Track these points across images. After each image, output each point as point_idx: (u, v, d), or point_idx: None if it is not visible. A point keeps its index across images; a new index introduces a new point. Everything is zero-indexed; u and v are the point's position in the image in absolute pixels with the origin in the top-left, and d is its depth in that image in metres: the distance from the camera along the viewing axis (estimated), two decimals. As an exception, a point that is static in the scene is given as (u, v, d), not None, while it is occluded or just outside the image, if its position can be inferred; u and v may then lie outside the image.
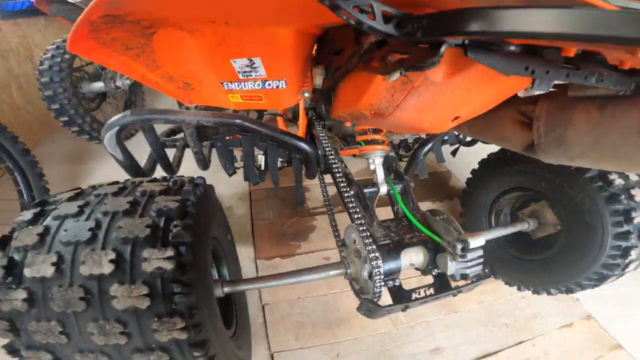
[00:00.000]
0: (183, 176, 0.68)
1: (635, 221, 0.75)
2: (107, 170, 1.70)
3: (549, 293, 0.94)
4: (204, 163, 0.97)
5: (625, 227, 0.75)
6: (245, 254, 1.19)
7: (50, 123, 2.09)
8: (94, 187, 0.61)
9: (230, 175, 1.00)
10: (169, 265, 0.47)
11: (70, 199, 0.54)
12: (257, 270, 1.16)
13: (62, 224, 0.49)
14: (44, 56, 1.55)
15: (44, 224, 0.50)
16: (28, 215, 0.52)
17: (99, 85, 1.79)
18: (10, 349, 0.48)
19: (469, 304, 1.10)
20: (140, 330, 0.46)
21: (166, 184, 0.63)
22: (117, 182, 0.64)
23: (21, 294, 0.44)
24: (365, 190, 0.77)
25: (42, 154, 1.66)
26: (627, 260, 0.74)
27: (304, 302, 1.07)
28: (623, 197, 0.76)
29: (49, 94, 1.51)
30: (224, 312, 0.76)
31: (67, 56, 1.57)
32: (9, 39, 1.90)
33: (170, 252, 0.48)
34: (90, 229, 0.47)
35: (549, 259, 0.92)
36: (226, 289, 0.72)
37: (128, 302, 0.45)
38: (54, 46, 1.58)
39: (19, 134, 1.85)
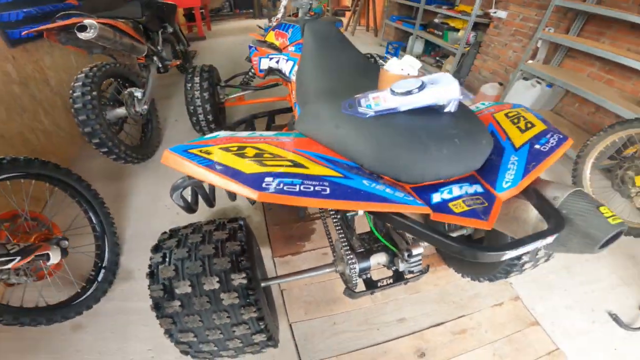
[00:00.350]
0: (225, 220, 1.03)
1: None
2: (144, 188, 2.02)
3: (479, 281, 1.29)
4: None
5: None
6: (265, 252, 1.57)
7: (77, 143, 2.33)
8: (183, 232, 0.96)
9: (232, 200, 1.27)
10: (244, 281, 0.85)
11: (177, 246, 0.90)
12: (274, 266, 1.54)
13: (183, 264, 0.85)
14: (75, 84, 1.72)
15: (172, 263, 0.86)
16: (158, 257, 0.88)
17: (121, 111, 2.03)
18: (168, 334, 0.87)
19: (428, 286, 1.50)
20: (235, 315, 0.86)
21: (221, 226, 0.98)
22: (191, 226, 0.99)
23: (176, 303, 0.82)
24: (348, 214, 1.10)
25: (81, 173, 1.96)
26: (521, 262, 1.03)
27: (310, 287, 1.47)
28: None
29: (83, 118, 1.71)
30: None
31: (95, 84, 1.77)
32: (24, 66, 1.99)
33: (243, 274, 0.86)
34: (200, 266, 0.85)
35: None
36: (264, 284, 1.10)
37: (229, 301, 0.83)
38: (83, 75, 1.76)
39: (56, 156, 2.13)
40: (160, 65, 2.50)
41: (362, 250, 1.00)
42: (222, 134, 0.78)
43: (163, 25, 2.67)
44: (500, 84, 3.22)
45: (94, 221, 1.49)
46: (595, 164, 2.01)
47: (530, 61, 2.95)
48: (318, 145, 0.76)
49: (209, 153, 0.65)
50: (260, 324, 0.90)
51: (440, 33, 3.89)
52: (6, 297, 1.33)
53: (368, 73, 1.16)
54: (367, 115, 0.70)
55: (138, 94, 2.04)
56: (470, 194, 0.69)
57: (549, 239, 0.61)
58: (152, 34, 2.49)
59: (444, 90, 0.67)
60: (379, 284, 1.01)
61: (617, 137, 1.89)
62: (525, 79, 2.92)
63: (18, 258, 1.10)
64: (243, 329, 0.88)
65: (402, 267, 0.96)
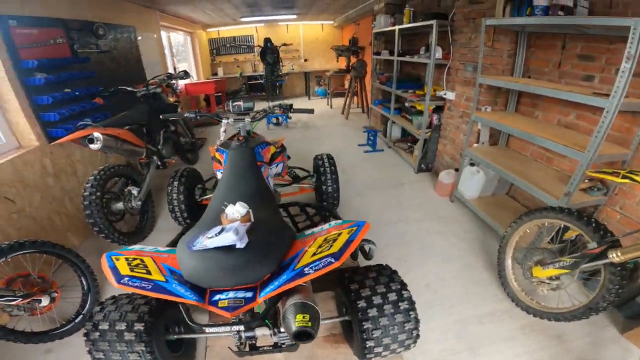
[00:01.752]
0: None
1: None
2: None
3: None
4: None
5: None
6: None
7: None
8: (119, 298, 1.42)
9: None
10: (142, 328, 1.27)
11: (113, 304, 1.39)
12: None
13: (110, 313, 1.35)
14: (86, 185, 2.32)
15: (105, 311, 1.37)
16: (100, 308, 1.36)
17: (120, 205, 2.62)
18: (89, 352, 1.32)
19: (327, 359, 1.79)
20: (130, 347, 1.31)
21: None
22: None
23: (97, 334, 1.30)
24: None
25: (87, 248, 2.54)
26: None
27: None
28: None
29: (88, 213, 2.29)
30: None
31: (100, 186, 2.36)
32: (58, 160, 2.65)
33: (142, 324, 1.30)
34: (120, 315, 1.34)
35: None
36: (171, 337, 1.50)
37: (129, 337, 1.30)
38: (92, 177, 2.35)
39: (72, 234, 2.72)
40: (159, 163, 3.11)
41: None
42: (136, 247, 1.31)
43: (165, 125, 3.35)
44: (457, 169, 3.20)
45: (83, 282, 2.06)
46: (515, 254, 2.10)
47: (475, 144, 3.04)
48: (174, 260, 1.22)
49: (118, 260, 1.18)
50: (149, 357, 1.32)
51: (410, 117, 4.18)
52: (7, 324, 1.79)
53: (260, 200, 1.52)
54: (192, 249, 1.15)
55: (134, 191, 2.66)
56: (235, 297, 1.10)
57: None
58: (153, 134, 3.18)
59: (226, 237, 1.09)
60: (260, 349, 1.37)
61: (527, 227, 2.00)
62: (472, 164, 2.97)
63: (20, 299, 1.69)
64: (134, 357, 1.31)
65: (274, 339, 1.31)
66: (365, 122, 6.22)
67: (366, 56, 6.86)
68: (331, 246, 1.08)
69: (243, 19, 7.54)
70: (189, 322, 1.23)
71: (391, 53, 4.68)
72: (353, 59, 7.11)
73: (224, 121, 2.13)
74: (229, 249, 1.10)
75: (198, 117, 2.12)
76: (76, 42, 3.01)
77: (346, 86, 7.49)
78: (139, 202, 2.68)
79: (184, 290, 1.10)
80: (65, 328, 1.91)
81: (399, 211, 3.13)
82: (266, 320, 1.28)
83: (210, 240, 1.09)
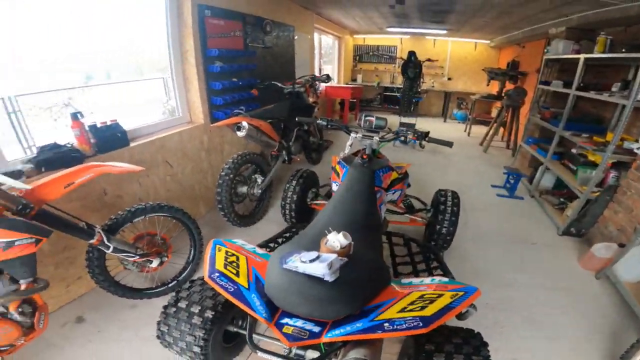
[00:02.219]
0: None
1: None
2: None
3: None
4: None
5: None
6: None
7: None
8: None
9: None
10: (210, 315, 1.28)
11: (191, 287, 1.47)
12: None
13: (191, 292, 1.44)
14: (225, 166, 2.60)
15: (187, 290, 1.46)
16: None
17: (244, 190, 2.87)
18: (158, 323, 1.42)
19: None
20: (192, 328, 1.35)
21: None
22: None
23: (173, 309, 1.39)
24: None
25: (207, 220, 2.85)
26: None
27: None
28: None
29: (218, 191, 2.57)
30: None
31: (234, 169, 2.61)
32: (214, 139, 3.09)
33: (212, 312, 1.32)
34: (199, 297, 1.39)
35: None
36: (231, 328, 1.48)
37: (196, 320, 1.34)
38: (232, 159, 2.62)
39: (204, 205, 3.11)
40: (286, 158, 3.31)
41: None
42: (239, 242, 1.35)
43: (300, 124, 3.54)
44: (622, 245, 2.54)
45: (191, 253, 2.29)
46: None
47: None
48: (264, 268, 1.20)
49: (219, 251, 1.24)
50: (202, 343, 1.35)
51: (574, 168, 3.37)
52: (116, 276, 2.09)
53: (365, 230, 1.40)
54: (283, 266, 1.09)
55: (259, 180, 2.88)
56: (302, 328, 1.05)
57: None
58: (288, 131, 3.39)
59: (318, 267, 1.00)
60: None
61: None
62: (651, 245, 2.27)
63: (138, 257, 1.90)
64: (190, 339, 1.35)
65: None
66: (508, 160, 5.30)
67: (527, 84, 5.90)
68: (425, 307, 0.98)
69: (389, 29, 7.46)
70: (248, 335, 1.23)
71: (566, 85, 3.85)
72: (509, 85, 6.24)
73: (352, 135, 2.07)
74: (317, 279, 1.03)
75: (329, 126, 2.11)
76: (249, 36, 3.40)
77: (493, 114, 6.64)
78: (260, 191, 2.88)
79: (259, 304, 1.10)
80: (157, 290, 2.13)
81: (517, 272, 2.58)
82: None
83: (302, 264, 1.05)
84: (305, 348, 1.15)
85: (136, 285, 2.08)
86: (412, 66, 6.46)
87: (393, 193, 2.09)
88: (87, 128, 2.08)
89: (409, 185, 2.44)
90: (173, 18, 2.64)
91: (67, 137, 2.09)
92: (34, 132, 2.17)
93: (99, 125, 2.14)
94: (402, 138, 2.16)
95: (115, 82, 4.25)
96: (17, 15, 2.00)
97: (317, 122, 2.13)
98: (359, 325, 1.00)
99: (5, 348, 1.41)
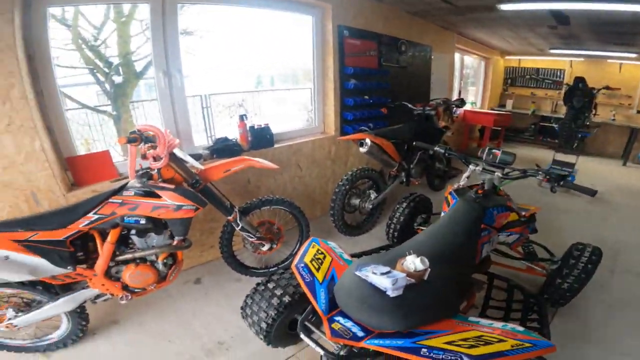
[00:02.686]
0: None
1: None
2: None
3: None
4: None
5: None
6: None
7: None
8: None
9: None
10: (286, 300, 1.48)
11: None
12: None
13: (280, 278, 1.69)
14: (344, 177, 2.84)
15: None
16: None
17: (356, 202, 3.05)
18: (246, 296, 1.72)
19: None
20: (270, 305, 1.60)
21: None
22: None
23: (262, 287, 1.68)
24: None
25: (319, 222, 3.15)
26: None
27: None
28: None
29: (334, 197, 2.82)
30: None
31: (351, 182, 2.83)
32: (340, 150, 3.40)
33: (289, 298, 1.53)
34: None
35: None
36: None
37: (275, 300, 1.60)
38: (351, 172, 2.84)
39: (319, 209, 3.42)
40: (404, 180, 3.32)
41: None
42: (332, 245, 1.52)
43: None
44: None
45: (297, 246, 2.61)
46: None
47: None
48: (342, 270, 1.36)
49: (313, 247, 1.45)
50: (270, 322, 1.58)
51: None
52: (235, 252, 2.49)
53: (451, 264, 1.38)
54: (356, 272, 1.21)
55: (372, 195, 3.01)
56: (348, 328, 1.15)
57: None
58: (411, 153, 3.40)
59: (384, 281, 1.11)
60: None
61: None
62: None
63: (256, 238, 2.27)
64: (262, 315, 1.59)
65: None
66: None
67: None
68: (475, 347, 0.96)
69: (553, 51, 6.36)
70: (302, 319, 1.36)
71: None
72: None
73: (471, 167, 1.97)
74: (380, 291, 1.13)
75: (447, 154, 2.09)
76: (383, 56, 3.60)
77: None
78: (370, 206, 3.01)
79: (323, 298, 1.26)
80: (260, 271, 2.48)
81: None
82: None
83: (372, 275, 1.16)
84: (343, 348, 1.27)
85: (247, 263, 2.49)
86: (580, 94, 5.41)
87: (508, 235, 1.90)
88: (247, 128, 2.66)
89: (534, 231, 2.14)
90: (318, 37, 3.07)
91: (232, 132, 2.71)
92: (216, 126, 2.92)
93: (255, 127, 2.71)
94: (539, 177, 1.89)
95: (276, 89, 5.13)
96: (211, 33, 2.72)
97: (435, 149, 2.13)
98: (399, 342, 1.04)
99: (138, 290, 1.91)
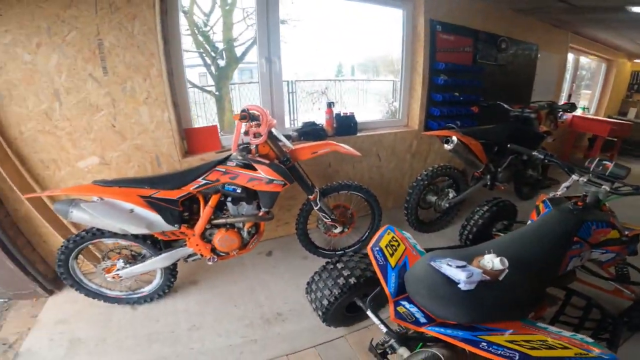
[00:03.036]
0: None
1: None
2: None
3: None
4: None
5: None
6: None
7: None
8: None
9: None
10: (352, 282, 1.55)
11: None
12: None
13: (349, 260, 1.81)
14: (424, 172, 2.79)
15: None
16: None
17: (432, 199, 2.97)
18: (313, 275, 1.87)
19: None
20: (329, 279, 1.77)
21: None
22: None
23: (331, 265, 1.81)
24: None
25: (390, 214, 3.16)
26: None
27: None
28: None
29: (410, 191, 2.81)
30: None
31: (428, 179, 2.77)
32: (422, 145, 3.32)
33: (355, 279, 1.57)
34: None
35: None
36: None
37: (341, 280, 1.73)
38: (432, 168, 2.79)
39: (393, 201, 3.43)
40: (488, 183, 3.10)
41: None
42: (407, 235, 1.57)
43: (518, 152, 3.18)
44: None
45: (366, 233, 2.73)
46: None
47: None
48: (414, 259, 1.41)
49: (388, 234, 1.50)
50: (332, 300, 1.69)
51: None
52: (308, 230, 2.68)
53: (532, 273, 1.33)
54: (430, 262, 1.26)
55: (451, 194, 2.90)
56: (411, 313, 1.23)
57: None
58: (501, 156, 3.14)
59: (458, 273, 1.13)
60: None
61: None
62: None
63: (330, 220, 2.40)
64: (326, 292, 1.71)
65: None
66: None
67: None
68: (535, 349, 0.97)
69: None
70: (370, 298, 1.46)
71: None
72: None
73: (574, 177, 1.78)
74: (452, 282, 1.16)
75: (546, 160, 1.93)
76: (479, 52, 3.35)
77: None
78: (447, 205, 2.91)
79: (393, 281, 1.33)
80: (327, 252, 2.62)
81: None
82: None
83: (447, 266, 1.19)
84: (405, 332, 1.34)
85: (316, 243, 2.63)
86: None
87: (602, 253, 1.71)
88: (334, 115, 2.77)
89: (634, 253, 1.89)
90: (408, 31, 3.01)
91: (312, 117, 2.88)
92: (298, 110, 3.10)
93: (341, 114, 2.81)
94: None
95: (358, 79, 5.20)
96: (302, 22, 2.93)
97: (533, 154, 1.97)
98: (460, 333, 1.09)
99: (223, 254, 2.14)
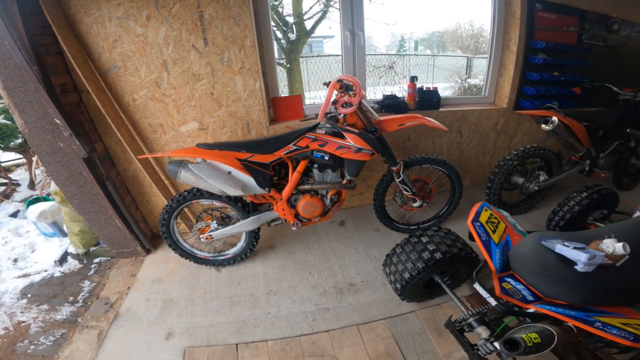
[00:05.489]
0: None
1: None
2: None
3: None
4: None
5: None
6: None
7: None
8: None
9: None
10: (438, 256, 1.51)
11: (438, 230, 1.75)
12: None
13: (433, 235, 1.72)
14: (513, 152, 2.57)
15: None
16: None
17: (518, 180, 2.73)
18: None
19: None
20: (416, 256, 1.74)
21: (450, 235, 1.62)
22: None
23: (415, 238, 1.73)
24: None
25: (466, 193, 3.02)
26: None
27: None
28: None
29: (496, 170, 2.62)
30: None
31: (517, 159, 2.56)
32: (509, 124, 3.06)
33: (440, 255, 1.62)
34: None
35: None
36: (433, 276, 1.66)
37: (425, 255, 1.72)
38: (523, 149, 2.55)
39: (473, 180, 3.25)
40: (586, 169, 2.79)
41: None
42: (504, 213, 1.56)
43: (625, 138, 2.82)
44: None
45: (444, 209, 2.67)
46: None
47: None
48: (515, 239, 1.39)
49: (485, 211, 1.48)
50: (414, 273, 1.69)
51: None
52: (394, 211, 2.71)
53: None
54: (539, 241, 1.26)
55: (541, 177, 2.65)
56: (518, 290, 1.22)
57: None
58: (605, 141, 2.80)
59: (579, 254, 1.11)
60: (464, 336, 1.37)
61: None
62: None
63: (410, 193, 2.33)
64: (409, 265, 1.72)
65: (480, 341, 1.27)
66: None
67: None
68: None
69: None
70: (476, 272, 1.41)
71: None
72: None
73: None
74: (567, 261, 1.15)
75: None
76: (585, 33, 2.96)
77: None
78: (536, 188, 2.69)
79: (497, 258, 1.32)
80: (401, 226, 2.60)
81: None
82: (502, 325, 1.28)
83: (562, 246, 1.16)
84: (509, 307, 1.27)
85: (391, 215, 2.64)
86: None
87: None
88: (417, 89, 2.67)
89: None
90: (501, 8, 2.73)
91: (378, 91, 2.79)
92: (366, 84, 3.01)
93: (424, 89, 2.69)
94: None
95: (424, 54, 4.89)
96: None
97: None
98: (572, 312, 1.08)
99: (305, 220, 2.22)
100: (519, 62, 2.85)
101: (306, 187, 2.15)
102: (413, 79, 2.70)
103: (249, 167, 1.99)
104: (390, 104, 2.62)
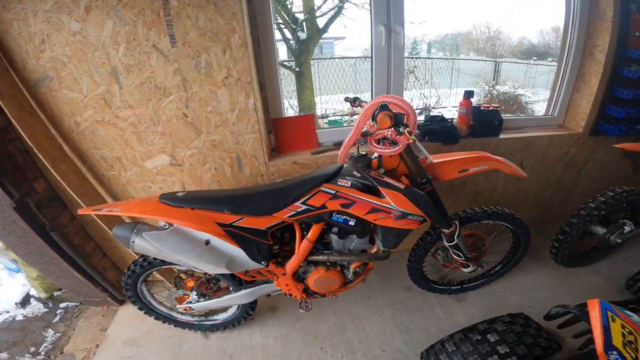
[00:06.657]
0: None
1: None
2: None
3: None
4: None
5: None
6: None
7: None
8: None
9: None
10: None
11: None
12: None
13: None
14: (601, 198, 1.90)
15: None
16: None
17: (598, 230, 2.03)
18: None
19: None
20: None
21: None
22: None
23: None
24: None
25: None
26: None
27: None
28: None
29: (574, 221, 1.94)
30: None
31: (610, 204, 1.88)
32: (580, 153, 2.35)
33: None
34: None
35: None
36: None
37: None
38: (611, 194, 1.89)
39: (528, 220, 2.51)
40: None
41: None
42: (636, 318, 1.02)
43: None
44: None
45: (497, 268, 2.05)
46: None
47: None
48: None
49: (613, 321, 0.96)
50: None
51: None
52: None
53: None
54: None
55: (627, 228, 1.93)
56: None
57: None
58: None
59: None
60: None
61: None
62: None
63: (463, 258, 1.67)
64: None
65: None
66: None
67: None
68: None
69: None
70: None
71: None
72: None
73: None
74: None
75: None
76: None
77: None
78: (618, 241, 1.98)
79: None
80: (440, 287, 2.01)
81: None
82: None
83: None
84: None
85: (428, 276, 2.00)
86: None
87: None
88: (471, 108, 1.95)
89: None
90: (583, 9, 2.02)
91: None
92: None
93: (481, 108, 1.97)
94: None
95: (449, 58, 4.15)
96: None
97: None
98: None
99: (317, 295, 1.61)
100: (606, 74, 2.12)
101: (321, 258, 1.47)
102: (469, 94, 1.96)
103: (236, 234, 1.31)
104: (437, 130, 1.89)
